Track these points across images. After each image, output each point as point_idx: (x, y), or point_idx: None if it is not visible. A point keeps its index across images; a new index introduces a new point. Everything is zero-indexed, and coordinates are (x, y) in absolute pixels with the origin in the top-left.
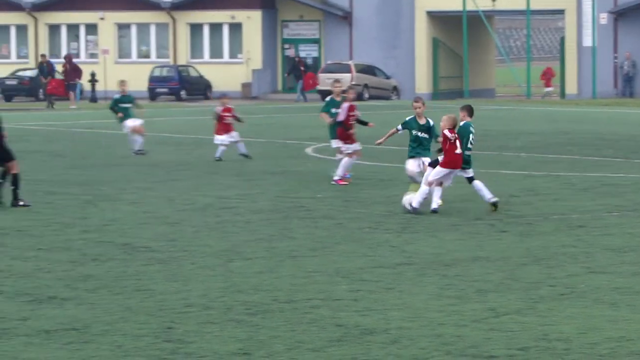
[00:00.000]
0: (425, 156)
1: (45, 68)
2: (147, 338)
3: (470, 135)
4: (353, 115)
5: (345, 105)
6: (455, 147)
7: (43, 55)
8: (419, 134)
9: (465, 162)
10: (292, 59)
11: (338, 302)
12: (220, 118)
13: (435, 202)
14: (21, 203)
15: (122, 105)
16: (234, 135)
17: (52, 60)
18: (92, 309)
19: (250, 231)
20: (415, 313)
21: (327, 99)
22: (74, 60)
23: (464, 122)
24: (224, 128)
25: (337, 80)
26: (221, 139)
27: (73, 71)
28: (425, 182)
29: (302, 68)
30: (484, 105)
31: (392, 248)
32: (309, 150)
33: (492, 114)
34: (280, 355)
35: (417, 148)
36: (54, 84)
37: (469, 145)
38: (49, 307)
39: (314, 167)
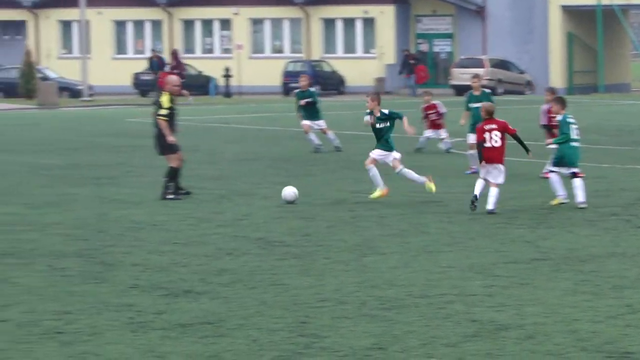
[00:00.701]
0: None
1: (155, 63)
2: (281, 332)
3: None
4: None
5: (545, 107)
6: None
7: (154, 50)
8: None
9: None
10: (402, 53)
11: (472, 297)
12: (425, 115)
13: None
14: (170, 196)
15: (300, 101)
16: (440, 133)
17: (187, 55)
18: (227, 303)
19: (384, 226)
20: (550, 309)
21: (467, 94)
22: (209, 55)
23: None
24: (432, 125)
25: (476, 75)
26: (428, 134)
27: (178, 67)
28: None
29: (411, 61)
30: (620, 100)
31: (527, 243)
32: (441, 145)
33: (627, 109)
34: (415, 351)
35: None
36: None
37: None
38: (184, 301)
39: (447, 161)
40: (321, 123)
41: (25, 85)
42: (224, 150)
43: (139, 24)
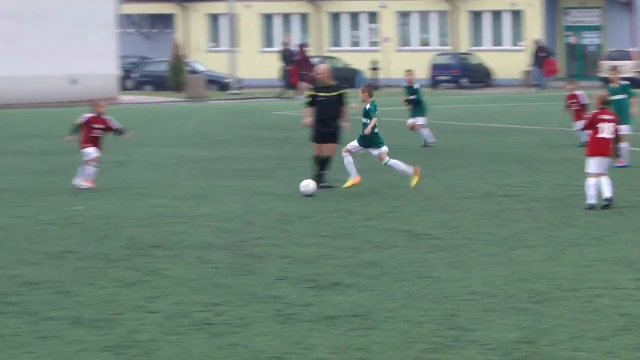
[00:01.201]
0: None
1: (287, 56)
2: (429, 325)
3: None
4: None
5: None
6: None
7: (285, 43)
8: None
9: None
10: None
11: (621, 291)
12: (568, 104)
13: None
14: (326, 184)
15: (410, 96)
16: (578, 124)
17: (333, 48)
18: (375, 296)
19: (531, 219)
20: None
21: (605, 86)
22: (356, 48)
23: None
24: (576, 115)
25: (614, 68)
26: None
27: (305, 61)
28: None
29: (541, 54)
30: None
31: None
32: (581, 137)
33: None
34: (564, 344)
35: None
36: (294, 72)
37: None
38: (332, 293)
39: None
40: (420, 120)
41: (174, 78)
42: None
43: (286, 17)
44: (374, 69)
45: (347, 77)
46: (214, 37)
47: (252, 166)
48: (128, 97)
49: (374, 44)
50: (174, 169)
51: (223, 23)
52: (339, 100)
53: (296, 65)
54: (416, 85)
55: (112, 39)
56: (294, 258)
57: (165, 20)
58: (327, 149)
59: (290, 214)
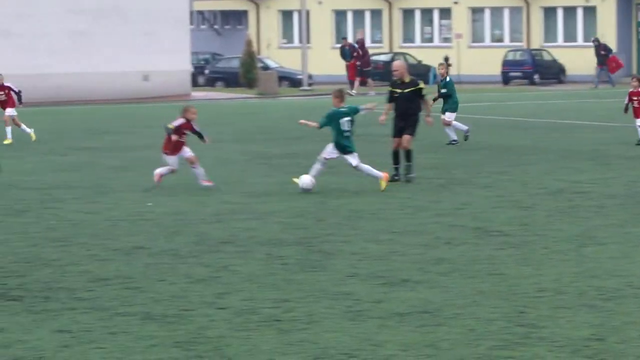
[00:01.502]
0: None
1: (347, 51)
2: (499, 322)
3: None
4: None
5: None
6: None
7: (344, 39)
8: None
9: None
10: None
11: None
12: (629, 100)
13: None
14: (412, 175)
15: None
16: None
17: (405, 44)
18: (445, 292)
19: (603, 216)
20: None
21: None
22: (428, 44)
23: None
24: (637, 112)
25: None
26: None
27: (362, 57)
28: None
29: (602, 52)
30: None
31: None
32: None
33: None
34: (635, 342)
35: None
36: (351, 68)
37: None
38: (401, 290)
39: None
40: (448, 115)
41: (246, 74)
42: (442, 139)
43: (358, 14)
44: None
45: (419, 73)
46: (286, 34)
47: None
48: (200, 94)
49: (446, 40)
50: (245, 166)
51: (295, 19)
52: (416, 96)
53: (353, 61)
54: (447, 79)
55: (185, 36)
56: (364, 254)
57: (237, 17)
58: (403, 140)
59: (361, 210)
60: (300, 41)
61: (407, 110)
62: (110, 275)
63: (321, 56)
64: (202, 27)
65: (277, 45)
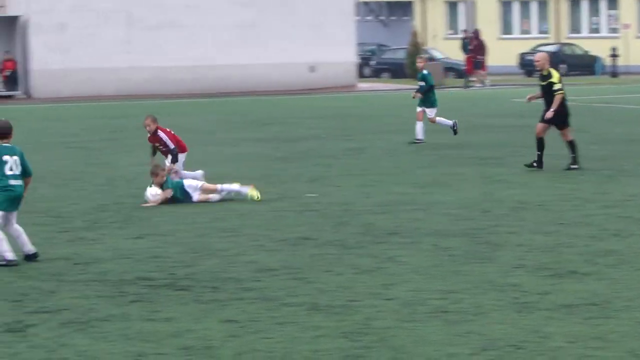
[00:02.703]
0: None
1: (467, 43)
2: None
3: None
4: None
5: None
6: None
7: (465, 31)
8: None
9: None
10: None
11: None
12: None
13: None
14: (574, 166)
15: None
16: None
17: (572, 35)
18: (613, 285)
19: None
20: None
21: None
22: (595, 35)
23: None
24: None
25: None
26: None
27: (479, 48)
28: None
29: None
30: None
31: None
32: None
33: None
34: None
35: None
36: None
37: None
38: (569, 281)
39: None
40: (429, 112)
41: (411, 66)
42: (610, 131)
43: (525, 4)
44: (614, 56)
45: (586, 64)
46: (452, 24)
47: (490, 154)
48: (365, 85)
49: (613, 30)
50: (411, 156)
51: (461, 10)
52: (549, 89)
53: (471, 53)
54: (425, 72)
55: (351, 27)
56: (531, 246)
57: (403, 8)
58: (562, 135)
59: (527, 201)
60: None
61: (548, 102)
62: (277, 266)
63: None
64: (368, 18)
65: (442, 36)
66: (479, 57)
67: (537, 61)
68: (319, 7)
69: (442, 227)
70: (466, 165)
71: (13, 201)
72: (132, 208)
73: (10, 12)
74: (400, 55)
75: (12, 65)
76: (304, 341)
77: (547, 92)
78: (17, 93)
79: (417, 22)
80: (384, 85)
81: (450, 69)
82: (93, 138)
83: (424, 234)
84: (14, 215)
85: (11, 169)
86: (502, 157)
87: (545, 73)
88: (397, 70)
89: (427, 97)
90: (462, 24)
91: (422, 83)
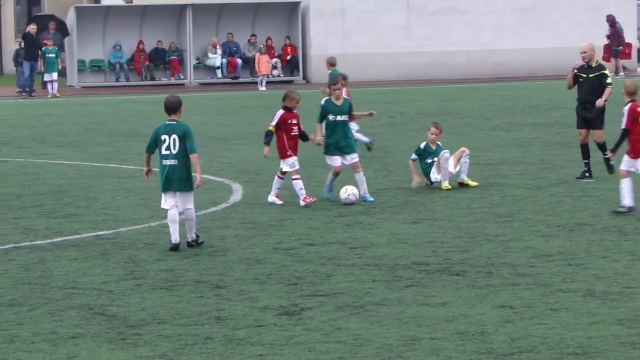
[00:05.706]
0: None
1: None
2: None
3: None
4: None
5: None
6: None
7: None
8: None
9: None
10: None
11: None
12: None
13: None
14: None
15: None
16: None
17: None
18: None
19: None
20: None
21: None
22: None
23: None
24: None
25: None
26: None
27: (615, 36)
28: None
29: None
30: None
31: None
32: None
33: None
34: None
35: None
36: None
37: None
38: None
39: None
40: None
41: None
42: None
43: None
44: None
45: None
46: None
47: None
48: None
49: None
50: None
51: None
52: (600, 83)
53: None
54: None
55: (632, 10)
56: None
57: None
58: (594, 136)
59: None
60: None
61: (590, 97)
62: (553, 252)
63: None
64: None
65: None
66: (614, 45)
67: (584, 52)
68: None
69: None
70: None
71: (167, 181)
72: (409, 193)
73: None
74: None
75: (292, 51)
76: (578, 327)
77: (593, 86)
78: (297, 78)
79: None
80: None
81: None
82: (372, 123)
83: None
84: (185, 197)
85: (168, 149)
86: None
87: (594, 65)
88: None
89: None
90: None
91: None
